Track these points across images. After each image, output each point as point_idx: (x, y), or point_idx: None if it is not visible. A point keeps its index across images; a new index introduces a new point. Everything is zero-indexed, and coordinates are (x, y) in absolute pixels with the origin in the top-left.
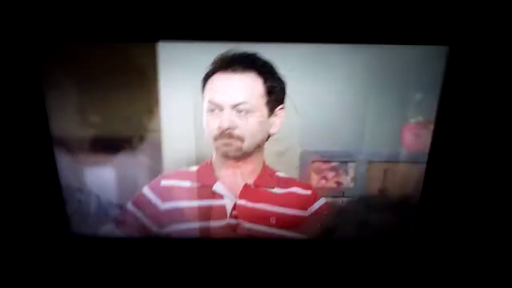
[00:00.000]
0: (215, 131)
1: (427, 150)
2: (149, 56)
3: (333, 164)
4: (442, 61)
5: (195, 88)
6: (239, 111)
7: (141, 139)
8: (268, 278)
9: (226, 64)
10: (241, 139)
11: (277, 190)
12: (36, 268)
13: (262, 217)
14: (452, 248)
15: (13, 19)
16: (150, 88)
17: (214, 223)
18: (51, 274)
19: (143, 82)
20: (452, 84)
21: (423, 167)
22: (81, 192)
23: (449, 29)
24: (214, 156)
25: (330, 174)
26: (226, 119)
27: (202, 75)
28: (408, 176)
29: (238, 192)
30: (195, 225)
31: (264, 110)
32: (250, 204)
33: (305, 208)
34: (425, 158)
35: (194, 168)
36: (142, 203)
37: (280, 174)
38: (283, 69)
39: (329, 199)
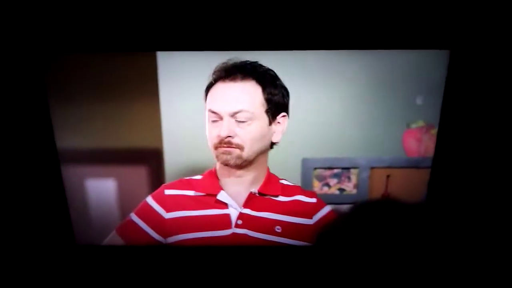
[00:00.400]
0: (215, 139)
1: (429, 155)
2: (150, 66)
3: (336, 171)
4: (443, 65)
5: (197, 97)
6: (239, 119)
7: (143, 148)
8: (273, 286)
9: (225, 73)
10: (240, 147)
11: (281, 198)
12: (42, 277)
13: (267, 226)
14: (455, 250)
15: (17, 30)
16: (152, 98)
17: (219, 233)
18: (57, 283)
19: (144, 92)
20: (453, 88)
21: (425, 172)
22: (85, 202)
23: (450, 33)
24: (218, 165)
25: (333, 181)
26: (225, 127)
27: (204, 84)
28: (410, 181)
29: (243, 201)
30: (200, 234)
31: (265, 118)
32: (254, 213)
33: (310, 217)
34: (428, 163)
35: (198, 177)
36: (145, 213)
37: (285, 182)
38: (284, 77)
39: (333, 206)
